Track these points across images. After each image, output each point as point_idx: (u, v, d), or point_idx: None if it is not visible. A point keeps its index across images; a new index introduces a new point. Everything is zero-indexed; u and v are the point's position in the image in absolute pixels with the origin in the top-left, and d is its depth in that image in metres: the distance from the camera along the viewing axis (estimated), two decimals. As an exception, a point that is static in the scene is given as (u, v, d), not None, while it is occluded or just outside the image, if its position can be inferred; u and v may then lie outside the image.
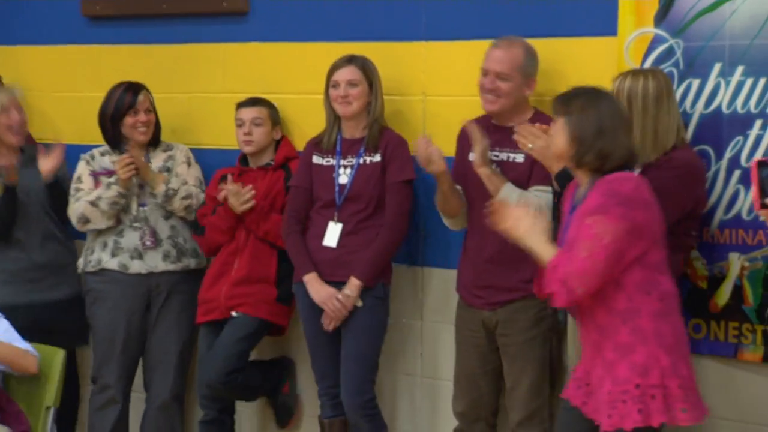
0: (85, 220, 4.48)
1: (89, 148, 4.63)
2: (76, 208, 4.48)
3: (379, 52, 4.26)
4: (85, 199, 4.46)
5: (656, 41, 3.80)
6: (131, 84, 4.54)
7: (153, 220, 4.53)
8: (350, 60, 4.15)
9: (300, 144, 4.41)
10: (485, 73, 3.86)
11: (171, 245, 4.57)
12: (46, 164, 4.52)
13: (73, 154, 4.65)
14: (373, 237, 4.11)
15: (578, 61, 3.93)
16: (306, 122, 4.44)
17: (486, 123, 3.92)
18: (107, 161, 4.56)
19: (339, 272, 4.11)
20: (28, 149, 4.66)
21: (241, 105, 4.47)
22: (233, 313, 4.39)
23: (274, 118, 4.46)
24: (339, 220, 4.15)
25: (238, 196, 4.31)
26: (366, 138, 4.17)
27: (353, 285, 4.07)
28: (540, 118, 3.84)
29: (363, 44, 4.29)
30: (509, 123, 3.87)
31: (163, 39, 4.76)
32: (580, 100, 3.27)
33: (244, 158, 4.49)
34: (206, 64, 4.70)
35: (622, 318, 3.20)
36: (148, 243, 4.51)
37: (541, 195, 3.78)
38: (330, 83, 4.15)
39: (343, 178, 4.17)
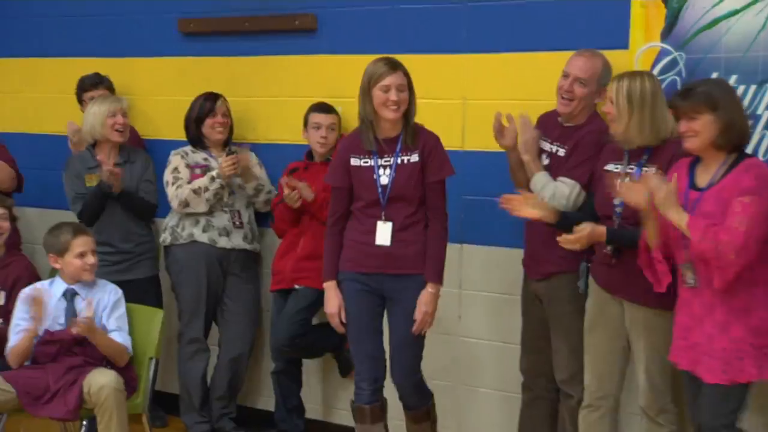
0: (186, 204, 4.53)
1: (181, 143, 4.70)
2: (178, 194, 4.52)
3: (426, 62, 4.29)
4: (189, 187, 4.51)
5: (662, 54, 3.83)
6: (210, 93, 4.64)
7: (238, 206, 4.63)
8: (395, 66, 3.77)
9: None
10: (566, 75, 3.77)
11: (249, 229, 4.68)
12: (110, 179, 4.49)
13: (168, 147, 4.74)
14: (421, 230, 3.81)
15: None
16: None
17: (553, 118, 3.89)
18: (198, 157, 4.64)
19: (392, 265, 3.80)
20: (127, 150, 4.73)
21: (317, 110, 4.46)
22: (296, 286, 4.45)
23: (339, 122, 4.50)
24: (387, 219, 3.80)
25: (291, 197, 4.34)
26: (402, 137, 3.79)
27: (435, 288, 3.79)
28: (592, 120, 3.80)
29: (412, 56, 4.22)
30: (570, 123, 3.83)
31: (244, 52, 4.78)
32: (718, 93, 3.23)
33: (310, 153, 4.53)
34: (280, 73, 4.73)
35: (741, 284, 3.16)
36: (237, 223, 4.60)
37: (558, 185, 3.74)
38: (378, 87, 3.73)
39: (384, 179, 3.79)
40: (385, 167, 3.80)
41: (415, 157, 3.79)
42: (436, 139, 3.85)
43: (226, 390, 4.70)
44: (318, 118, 4.46)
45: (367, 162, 3.82)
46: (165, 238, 4.66)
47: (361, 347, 3.87)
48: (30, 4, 5.39)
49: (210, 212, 4.58)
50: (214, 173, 4.53)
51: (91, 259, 4.11)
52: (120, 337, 4.07)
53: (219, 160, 4.62)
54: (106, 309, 4.10)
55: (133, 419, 4.10)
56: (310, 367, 4.74)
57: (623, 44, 3.89)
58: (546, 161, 3.87)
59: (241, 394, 4.84)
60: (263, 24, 4.71)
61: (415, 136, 3.80)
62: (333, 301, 3.86)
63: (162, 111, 5.03)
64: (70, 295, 4.11)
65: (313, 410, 4.77)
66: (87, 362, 3.99)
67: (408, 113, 3.80)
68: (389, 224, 3.79)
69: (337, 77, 4.59)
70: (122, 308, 4.14)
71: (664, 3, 3.81)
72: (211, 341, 4.75)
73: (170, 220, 4.67)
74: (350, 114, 4.52)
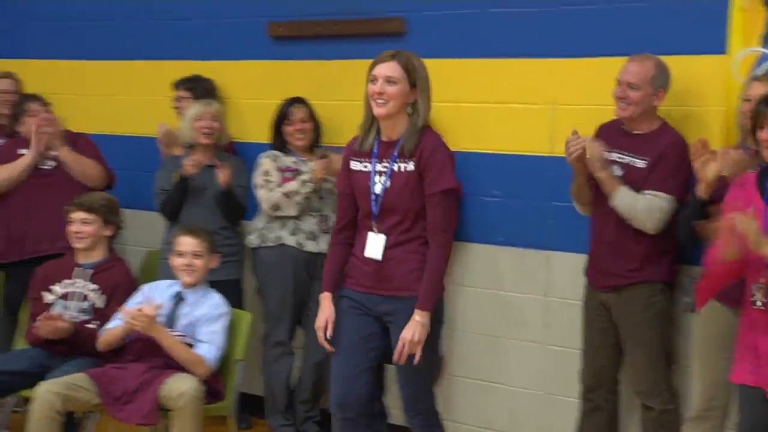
0: (277, 207, 4.56)
1: (268, 146, 4.73)
2: (269, 197, 4.56)
3: (516, 66, 4.28)
4: (280, 191, 4.55)
5: (763, 59, 3.73)
6: (289, 99, 4.66)
7: (326, 211, 4.65)
8: (393, 55, 3.38)
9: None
10: (619, 83, 3.78)
11: (334, 233, 4.72)
12: (223, 176, 4.61)
13: (256, 150, 4.79)
14: (416, 247, 3.44)
15: (691, 77, 3.88)
16: (455, 127, 4.40)
17: (617, 128, 3.86)
18: (288, 160, 4.67)
19: (380, 285, 3.46)
20: (221, 154, 4.78)
21: None
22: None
23: None
24: (379, 232, 3.44)
25: None
26: (401, 142, 3.39)
27: (422, 317, 3.38)
28: (666, 129, 3.79)
29: (501, 60, 4.30)
30: (637, 130, 3.79)
31: (333, 56, 4.80)
32: None
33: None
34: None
35: None
36: (324, 228, 4.61)
37: (652, 198, 3.69)
38: (368, 77, 3.39)
39: (378, 186, 3.42)
40: (381, 173, 3.42)
41: (410, 166, 3.38)
42: (439, 145, 3.41)
43: (311, 393, 4.72)
44: None
45: (366, 166, 3.46)
46: (252, 240, 4.70)
47: (334, 366, 3.59)
48: (123, 7, 5.50)
49: (298, 216, 4.61)
50: (305, 177, 4.56)
51: (185, 260, 4.13)
52: (202, 348, 3.98)
53: (309, 163, 4.65)
54: (206, 321, 4.06)
55: (219, 421, 4.13)
56: (393, 372, 4.69)
57: (720, 49, 3.83)
58: (619, 172, 3.82)
59: (325, 398, 4.86)
60: (352, 27, 4.73)
61: (414, 141, 3.38)
62: (322, 314, 3.52)
63: (251, 114, 5.07)
64: (178, 299, 4.14)
65: (396, 416, 4.73)
66: (168, 365, 3.95)
67: (413, 114, 3.39)
68: (382, 237, 3.42)
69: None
70: (220, 324, 4.05)
71: (765, 6, 3.72)
72: (296, 344, 4.77)
73: (258, 223, 4.71)
74: (439, 117, 4.48)
